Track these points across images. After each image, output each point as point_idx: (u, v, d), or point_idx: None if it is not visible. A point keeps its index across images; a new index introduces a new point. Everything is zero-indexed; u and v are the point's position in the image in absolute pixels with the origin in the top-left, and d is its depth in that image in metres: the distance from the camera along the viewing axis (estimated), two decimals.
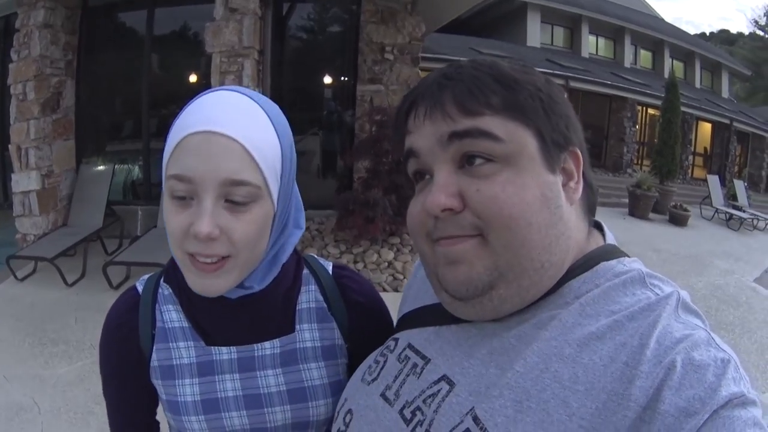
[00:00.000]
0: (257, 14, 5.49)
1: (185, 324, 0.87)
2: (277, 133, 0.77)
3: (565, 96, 0.69)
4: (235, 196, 0.72)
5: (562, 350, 0.57)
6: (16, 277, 5.25)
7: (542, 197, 0.61)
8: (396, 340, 0.78)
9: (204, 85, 5.67)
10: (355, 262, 5.62)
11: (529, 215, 0.60)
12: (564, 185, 0.65)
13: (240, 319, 0.86)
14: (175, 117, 0.76)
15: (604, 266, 0.65)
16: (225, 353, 0.86)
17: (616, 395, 0.51)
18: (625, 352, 0.54)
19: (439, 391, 0.64)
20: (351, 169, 6.82)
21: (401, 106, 0.70)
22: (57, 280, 5.10)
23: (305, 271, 0.94)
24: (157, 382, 0.86)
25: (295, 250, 0.91)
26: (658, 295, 0.60)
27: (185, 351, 0.86)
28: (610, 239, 0.72)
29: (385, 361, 0.76)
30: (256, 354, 0.87)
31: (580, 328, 0.59)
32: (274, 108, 0.80)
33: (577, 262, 0.66)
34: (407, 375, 0.70)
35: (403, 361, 0.73)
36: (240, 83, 5.37)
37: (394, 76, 6.61)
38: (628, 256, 0.68)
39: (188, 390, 0.84)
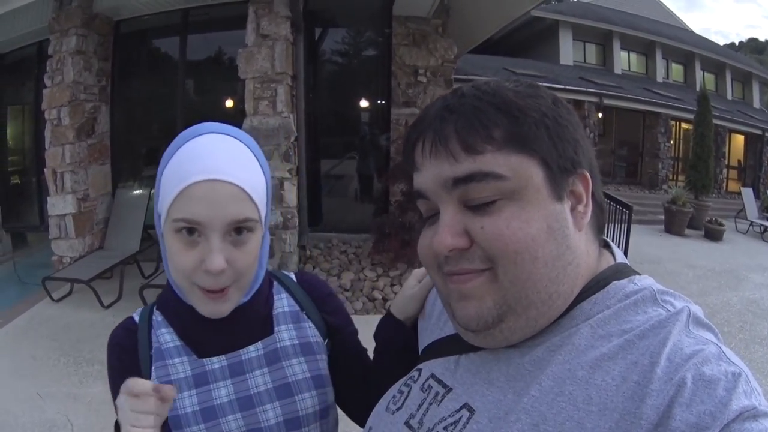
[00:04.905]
0: (289, 40, 5.53)
1: (178, 343, 0.94)
2: (262, 169, 0.88)
3: (574, 116, 0.68)
4: (239, 233, 0.83)
5: (576, 373, 0.58)
6: (52, 298, 5.31)
7: (548, 229, 0.61)
8: (419, 370, 0.79)
9: (240, 110, 5.71)
10: (392, 285, 5.56)
11: (534, 249, 0.60)
12: (572, 209, 0.65)
13: (228, 329, 0.94)
14: (164, 158, 0.84)
15: (615, 286, 0.65)
16: (216, 362, 0.94)
17: (629, 414, 0.52)
18: (637, 371, 0.54)
19: (460, 418, 0.65)
20: (387, 193, 6.81)
21: (408, 138, 0.70)
22: (93, 302, 5.14)
23: (275, 283, 1.05)
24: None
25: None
26: (669, 311, 0.60)
27: (180, 366, 0.93)
28: (620, 258, 0.72)
29: (409, 391, 0.77)
30: (243, 358, 0.95)
31: (593, 350, 0.59)
32: (253, 142, 0.90)
33: (589, 284, 0.66)
34: (430, 404, 0.71)
35: (426, 390, 0.74)
36: (274, 109, 5.41)
37: (427, 98, 6.58)
38: (639, 274, 0.68)
39: (187, 402, 0.90)
